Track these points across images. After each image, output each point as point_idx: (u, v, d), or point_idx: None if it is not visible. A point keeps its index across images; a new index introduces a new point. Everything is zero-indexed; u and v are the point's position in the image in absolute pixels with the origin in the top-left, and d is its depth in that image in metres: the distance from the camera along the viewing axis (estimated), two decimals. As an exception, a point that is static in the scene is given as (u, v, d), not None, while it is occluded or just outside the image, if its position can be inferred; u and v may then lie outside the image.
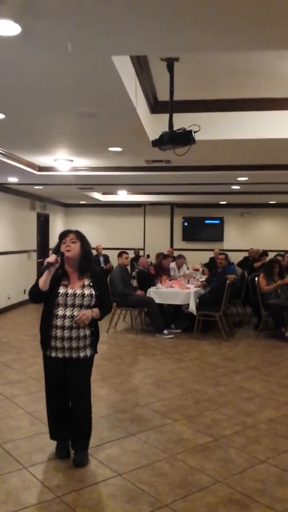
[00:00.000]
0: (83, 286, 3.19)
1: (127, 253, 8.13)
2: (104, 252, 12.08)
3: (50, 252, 3.20)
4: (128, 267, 8.84)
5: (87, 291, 3.18)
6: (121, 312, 8.24)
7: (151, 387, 4.94)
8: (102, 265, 11.96)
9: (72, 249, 3.16)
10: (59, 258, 3.09)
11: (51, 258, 3.07)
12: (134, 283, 8.74)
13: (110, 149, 5.70)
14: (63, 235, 3.23)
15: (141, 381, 5.16)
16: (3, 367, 5.52)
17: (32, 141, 5.48)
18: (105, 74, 3.17)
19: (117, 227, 13.64)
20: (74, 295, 3.15)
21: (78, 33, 2.58)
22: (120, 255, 8.03)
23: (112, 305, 3.43)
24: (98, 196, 11.62)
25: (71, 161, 6.58)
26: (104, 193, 11.87)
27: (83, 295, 3.16)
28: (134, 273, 9.32)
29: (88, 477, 3.08)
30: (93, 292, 3.20)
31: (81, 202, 13.31)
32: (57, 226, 13.01)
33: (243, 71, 4.11)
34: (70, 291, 3.15)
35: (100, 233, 13.63)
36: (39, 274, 3.15)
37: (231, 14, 2.38)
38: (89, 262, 3.28)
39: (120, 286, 7.58)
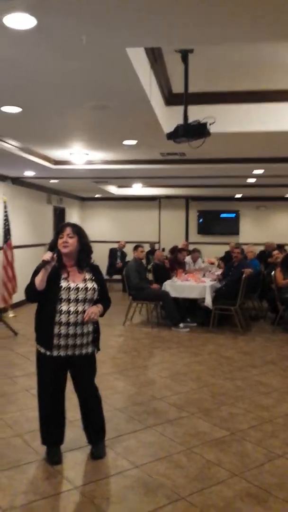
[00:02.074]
0: (85, 280, 3.10)
1: (142, 247, 8.13)
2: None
3: (46, 247, 3.08)
4: (144, 261, 8.85)
5: (90, 285, 3.08)
6: (137, 305, 8.26)
7: (167, 380, 4.95)
8: (118, 260, 11.99)
9: (70, 244, 3.05)
10: (55, 255, 2.98)
11: (47, 255, 2.96)
12: (150, 276, 8.74)
13: (125, 142, 5.70)
14: (60, 230, 3.11)
15: (157, 374, 5.18)
16: (22, 359, 5.59)
17: (48, 135, 5.50)
18: (120, 66, 3.16)
19: (133, 220, 13.64)
20: (77, 289, 3.03)
21: (93, 26, 2.57)
22: (135, 248, 8.04)
23: (110, 300, 3.32)
24: (113, 189, 11.64)
25: (87, 154, 6.59)
26: (119, 187, 11.88)
27: (86, 289, 3.06)
28: (149, 267, 9.33)
29: (106, 468, 3.11)
30: (95, 285, 3.11)
31: (97, 196, 13.34)
32: (73, 219, 13.05)
33: (258, 62, 4.07)
34: (72, 285, 3.03)
35: (116, 227, 13.67)
36: (35, 272, 3.02)
37: (246, 5, 2.35)
38: (87, 256, 3.16)
39: (136, 279, 7.60)
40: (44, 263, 2.95)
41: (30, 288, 3.03)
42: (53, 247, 3.09)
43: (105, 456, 3.25)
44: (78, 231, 3.13)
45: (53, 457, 3.19)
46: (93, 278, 3.15)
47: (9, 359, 5.69)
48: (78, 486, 2.88)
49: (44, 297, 3.05)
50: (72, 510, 2.65)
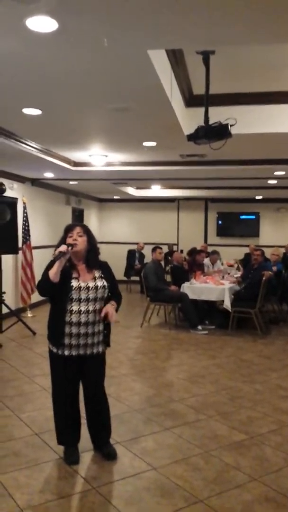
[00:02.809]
0: (94, 278, 3.10)
1: (161, 248, 8.12)
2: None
3: (54, 249, 3.12)
4: (162, 262, 8.84)
5: (99, 283, 3.09)
6: (155, 307, 8.26)
7: (185, 382, 4.93)
8: (136, 261, 12.01)
9: (80, 243, 3.07)
10: (70, 248, 3.00)
11: (63, 247, 2.98)
12: (168, 278, 8.72)
13: (145, 143, 5.70)
14: (69, 229, 3.14)
15: (175, 376, 5.16)
16: (41, 358, 5.63)
17: (68, 137, 5.54)
18: (141, 68, 3.16)
19: (151, 222, 13.63)
20: (87, 288, 3.05)
21: (114, 28, 2.58)
22: (154, 250, 8.04)
23: (121, 295, 3.31)
24: (132, 191, 11.66)
25: (106, 156, 6.62)
26: (138, 188, 11.89)
27: (96, 288, 3.07)
28: (167, 268, 9.31)
29: (123, 469, 3.11)
30: (105, 283, 3.12)
31: (115, 197, 13.37)
32: (91, 220, 13.14)
33: (279, 63, 4.03)
34: (82, 284, 3.04)
35: (134, 228, 13.69)
36: (48, 266, 3.03)
37: (267, 6, 2.32)
38: (96, 256, 3.18)
39: (154, 281, 7.59)
40: (60, 255, 2.95)
41: (44, 281, 3.01)
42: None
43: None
44: (87, 231, 3.17)
45: (71, 456, 3.20)
46: (102, 275, 3.15)
47: (28, 358, 5.74)
48: (95, 487, 2.89)
49: (56, 297, 3.08)
50: (89, 510, 2.65)
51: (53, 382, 3.24)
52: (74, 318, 3.03)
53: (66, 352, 3.07)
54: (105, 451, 3.25)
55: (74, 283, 3.04)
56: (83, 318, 3.04)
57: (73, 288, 3.03)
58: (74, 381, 3.19)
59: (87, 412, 3.28)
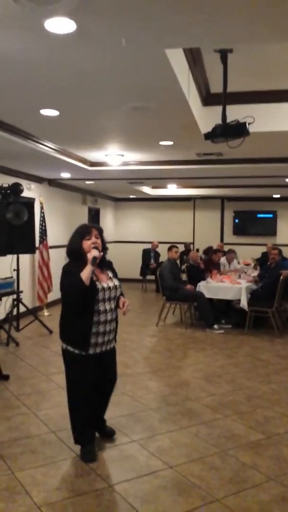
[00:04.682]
0: (110, 279, 3.25)
1: (177, 247, 8.12)
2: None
3: (67, 248, 3.25)
4: (178, 261, 8.82)
5: (116, 283, 3.26)
6: (171, 306, 8.25)
7: (201, 381, 4.92)
8: (152, 260, 12.01)
9: (98, 245, 3.15)
10: (101, 253, 3.13)
11: (96, 253, 3.06)
12: (184, 277, 8.71)
13: (161, 143, 5.70)
14: (86, 231, 3.17)
15: (191, 375, 5.15)
16: (57, 357, 5.66)
17: (85, 137, 5.57)
18: (159, 67, 3.16)
19: (167, 221, 13.62)
20: (109, 288, 3.18)
21: (132, 28, 2.58)
22: (170, 249, 8.03)
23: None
24: (147, 190, 11.66)
25: (122, 155, 6.63)
26: (154, 187, 11.89)
27: (115, 287, 3.23)
28: (183, 267, 9.29)
29: (140, 468, 3.12)
30: (118, 283, 3.29)
31: (131, 197, 13.40)
32: (107, 220, 13.19)
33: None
34: (104, 285, 3.17)
35: (150, 227, 13.69)
36: (68, 272, 3.09)
37: (285, 3, 2.30)
38: (104, 257, 3.29)
39: (170, 280, 7.58)
40: (95, 260, 3.04)
41: (78, 286, 2.99)
42: (77, 249, 3.14)
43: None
44: (101, 232, 3.26)
45: (88, 454, 3.23)
46: (114, 275, 3.31)
47: (45, 356, 5.80)
48: (112, 485, 2.90)
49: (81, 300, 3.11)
50: (106, 508, 2.67)
51: (72, 383, 3.25)
52: (102, 318, 3.15)
53: (91, 351, 3.14)
54: (106, 429, 3.51)
55: (99, 285, 3.14)
56: (108, 317, 3.18)
57: (100, 290, 3.13)
58: (95, 379, 3.25)
59: (97, 401, 3.39)
